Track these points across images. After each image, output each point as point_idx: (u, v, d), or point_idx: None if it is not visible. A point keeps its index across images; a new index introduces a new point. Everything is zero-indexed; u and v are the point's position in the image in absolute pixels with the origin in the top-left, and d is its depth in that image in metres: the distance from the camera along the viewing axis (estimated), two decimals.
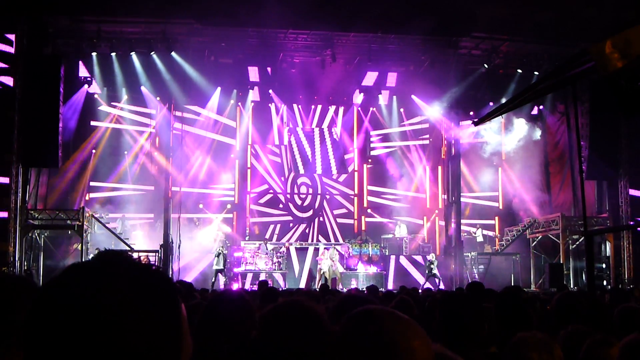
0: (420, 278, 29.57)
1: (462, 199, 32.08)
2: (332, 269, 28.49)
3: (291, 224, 34.03)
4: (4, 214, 25.66)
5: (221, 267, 27.44)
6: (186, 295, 9.63)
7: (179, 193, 30.28)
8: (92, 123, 31.77)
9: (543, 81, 7.66)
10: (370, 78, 32.12)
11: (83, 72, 29.59)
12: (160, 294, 1.36)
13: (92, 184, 31.66)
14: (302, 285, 28.81)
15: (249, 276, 28.90)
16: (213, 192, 33.28)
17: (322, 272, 28.46)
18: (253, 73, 31.17)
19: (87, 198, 31.07)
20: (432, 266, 28.62)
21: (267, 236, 32.36)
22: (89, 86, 29.98)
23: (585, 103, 29.70)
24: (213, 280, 27.31)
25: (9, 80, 25.86)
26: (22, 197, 26.27)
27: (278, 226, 33.84)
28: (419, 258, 30.81)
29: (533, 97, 8.59)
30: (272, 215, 34.04)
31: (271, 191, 34.34)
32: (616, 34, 6.05)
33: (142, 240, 30.66)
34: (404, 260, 30.83)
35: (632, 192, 30.50)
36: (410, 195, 35.07)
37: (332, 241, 32.68)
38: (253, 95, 33.11)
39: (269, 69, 31.18)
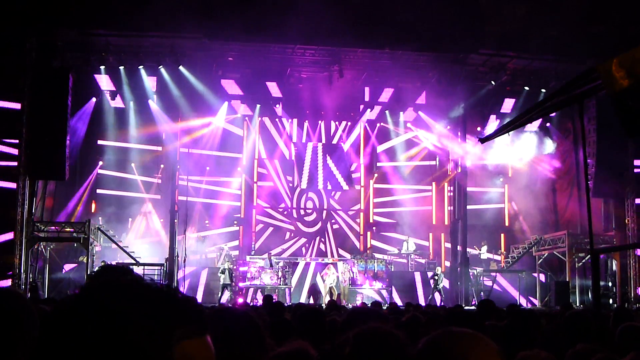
0: (426, 294, 29.51)
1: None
2: (342, 285, 28.47)
3: (297, 239, 33.99)
4: (10, 227, 25.75)
5: (228, 282, 27.44)
6: None
7: (184, 206, 30.24)
8: (99, 142, 31.93)
9: (550, 99, 7.66)
10: (377, 94, 32.24)
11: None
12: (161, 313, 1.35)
13: (99, 195, 31.71)
14: (304, 299, 28.74)
15: (254, 291, 28.88)
16: (219, 207, 33.28)
17: (328, 287, 28.45)
18: (261, 88, 31.32)
19: (93, 210, 31.13)
20: (438, 280, 28.53)
21: (273, 250, 32.29)
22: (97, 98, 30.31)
23: (593, 120, 29.67)
24: (220, 295, 27.32)
25: (17, 93, 25.97)
26: (29, 210, 26.31)
27: (285, 242, 33.84)
28: (424, 274, 30.71)
29: (540, 115, 8.59)
30: (278, 224, 34.08)
31: (280, 207, 34.36)
32: (623, 52, 6.06)
33: (147, 253, 30.67)
34: (409, 277, 30.75)
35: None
36: (416, 210, 35.04)
37: (337, 257, 32.63)
38: (260, 109, 33.19)
39: (277, 84, 31.35)
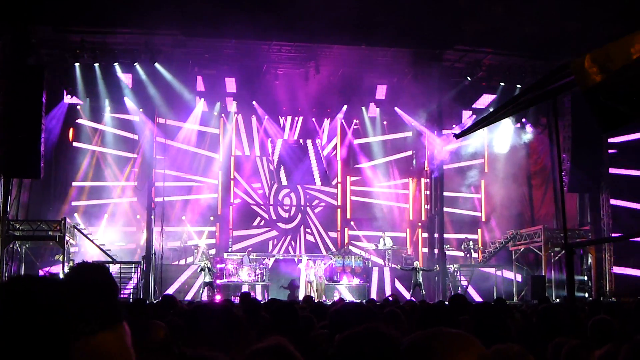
0: (403, 290, 29.56)
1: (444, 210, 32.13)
2: (318, 280, 28.47)
3: (274, 235, 33.97)
4: None
5: (209, 280, 27.33)
6: (168, 307, 9.60)
7: (161, 204, 30.19)
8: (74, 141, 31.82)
9: (524, 94, 7.69)
10: (353, 90, 32.20)
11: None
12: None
13: (74, 194, 31.56)
14: (284, 297, 28.73)
15: (232, 288, 28.82)
16: (196, 204, 33.18)
17: (306, 282, 28.44)
18: (236, 84, 31.20)
19: (69, 207, 30.95)
20: (418, 275, 28.39)
21: (250, 247, 32.23)
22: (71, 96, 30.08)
23: (568, 116, 29.86)
24: (201, 292, 27.26)
25: None
26: (4, 208, 26.09)
27: (261, 237, 33.80)
28: (402, 270, 30.76)
29: (514, 111, 8.61)
30: (254, 227, 33.97)
31: (253, 203, 34.28)
32: (596, 48, 6.10)
33: (124, 251, 30.60)
34: (387, 273, 30.80)
35: (614, 201, 30.77)
36: (393, 206, 35.16)
37: (316, 253, 32.63)
38: (236, 106, 33.13)
39: (253, 80, 31.25)
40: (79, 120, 31.87)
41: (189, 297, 27.79)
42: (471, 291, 30.02)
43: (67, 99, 30.34)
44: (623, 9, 24.16)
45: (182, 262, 31.02)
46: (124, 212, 32.16)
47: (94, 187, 31.96)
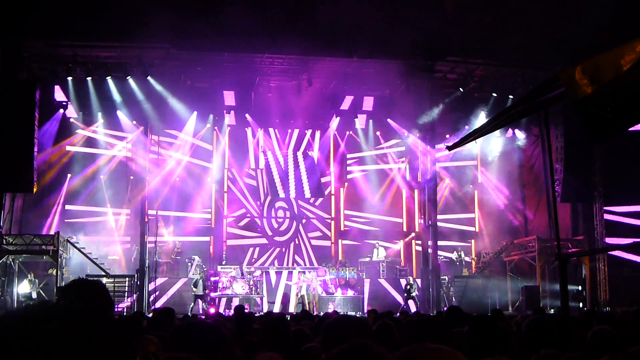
0: (397, 302, 29.54)
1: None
2: (311, 293, 28.41)
3: (268, 248, 33.90)
4: None
5: (200, 293, 27.33)
6: (164, 322, 9.57)
7: (155, 217, 30.12)
8: (68, 148, 31.67)
9: (515, 106, 7.71)
10: (346, 102, 32.24)
11: (59, 96, 29.49)
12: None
13: (67, 207, 31.45)
14: (278, 309, 28.65)
15: (226, 301, 28.77)
16: (189, 216, 33.11)
17: (300, 296, 28.42)
18: (229, 97, 31.20)
19: (62, 222, 30.83)
20: (410, 289, 28.60)
21: (244, 260, 32.14)
22: (64, 110, 29.98)
23: (560, 126, 29.93)
24: (192, 305, 27.20)
25: None
26: None
27: (256, 250, 33.72)
28: (395, 282, 30.74)
29: (506, 122, 8.64)
30: (248, 239, 33.90)
31: (248, 215, 34.22)
32: (589, 58, 6.11)
33: (118, 264, 30.50)
34: (380, 284, 30.77)
35: (607, 216, 30.87)
36: (386, 218, 35.12)
37: (309, 265, 32.61)
38: (229, 119, 33.05)
39: (246, 93, 31.27)
40: (73, 132, 31.75)
41: (181, 310, 27.68)
42: (465, 302, 29.96)
43: (60, 113, 30.22)
44: (611, 18, 24.28)
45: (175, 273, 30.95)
46: (117, 224, 32.09)
47: (86, 199, 31.84)
